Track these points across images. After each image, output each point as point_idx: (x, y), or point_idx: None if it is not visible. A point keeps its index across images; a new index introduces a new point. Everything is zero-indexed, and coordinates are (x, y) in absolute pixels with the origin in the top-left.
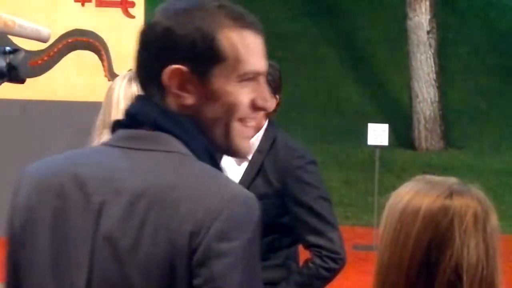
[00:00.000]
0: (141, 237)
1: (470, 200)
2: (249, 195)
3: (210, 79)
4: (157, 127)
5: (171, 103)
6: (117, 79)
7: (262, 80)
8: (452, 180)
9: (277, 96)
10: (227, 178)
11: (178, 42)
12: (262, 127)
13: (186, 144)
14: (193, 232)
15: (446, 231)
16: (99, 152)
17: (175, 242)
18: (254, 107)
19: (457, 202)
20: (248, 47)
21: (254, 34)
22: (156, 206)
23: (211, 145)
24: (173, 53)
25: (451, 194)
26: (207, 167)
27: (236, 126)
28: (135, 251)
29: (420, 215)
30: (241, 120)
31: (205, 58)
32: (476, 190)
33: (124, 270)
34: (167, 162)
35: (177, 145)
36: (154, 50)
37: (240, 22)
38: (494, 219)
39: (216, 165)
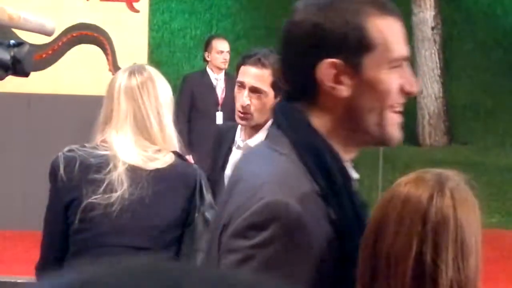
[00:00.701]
0: (219, 219)
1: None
2: (283, 200)
3: (362, 69)
4: (278, 126)
5: (325, 97)
6: (118, 74)
7: (406, 65)
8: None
9: None
10: (276, 182)
11: (328, 37)
12: (269, 121)
13: (294, 144)
14: (224, 225)
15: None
16: None
17: (218, 234)
18: (403, 92)
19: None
20: (394, 34)
21: (397, 20)
22: (230, 196)
23: (364, 136)
24: (324, 48)
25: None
26: (276, 168)
27: (387, 114)
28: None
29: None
30: (391, 106)
31: (357, 48)
32: (451, 184)
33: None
34: (262, 157)
35: (283, 145)
36: (302, 47)
37: (384, 9)
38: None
39: (324, 163)
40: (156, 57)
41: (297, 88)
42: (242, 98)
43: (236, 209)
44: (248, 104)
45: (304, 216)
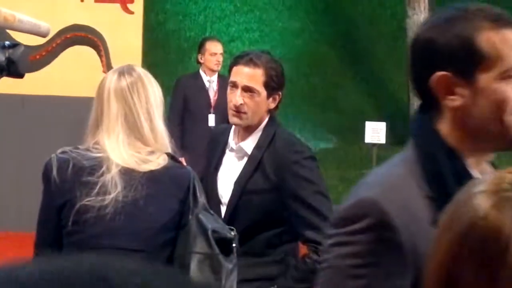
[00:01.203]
0: None
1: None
2: (375, 198)
3: (474, 80)
4: (411, 134)
5: (444, 107)
6: (107, 75)
7: None
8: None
9: (280, 93)
10: (376, 182)
11: (439, 51)
12: (263, 122)
13: (417, 149)
14: None
15: None
16: None
17: None
18: None
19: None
20: (507, 45)
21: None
22: None
23: (490, 143)
24: (436, 61)
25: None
26: (387, 170)
27: (508, 121)
28: None
29: None
30: (510, 113)
31: (467, 61)
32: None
33: None
34: (388, 162)
35: (410, 151)
36: (419, 61)
37: (499, 22)
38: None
39: (438, 168)
40: (150, 59)
41: (423, 100)
42: (235, 98)
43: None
44: (241, 104)
45: (394, 216)
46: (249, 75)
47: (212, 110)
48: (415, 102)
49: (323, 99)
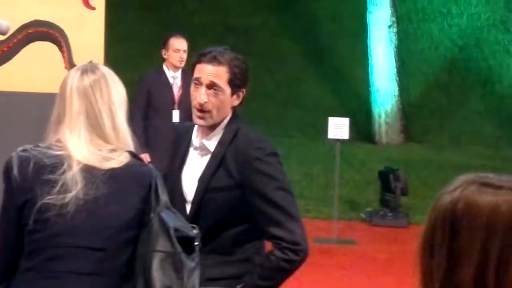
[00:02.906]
0: None
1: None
2: None
3: None
4: None
5: None
6: (70, 73)
7: None
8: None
9: (244, 90)
10: None
11: None
12: (225, 119)
13: None
14: None
15: None
16: None
17: None
18: None
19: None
20: None
21: None
22: None
23: None
24: None
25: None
26: None
27: None
28: None
29: None
30: None
31: None
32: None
33: None
34: None
35: None
36: None
37: None
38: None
39: None
40: (113, 54)
41: None
42: (200, 96)
43: None
44: (205, 102)
45: None
46: (213, 73)
47: (176, 106)
48: (377, 98)
49: (286, 95)
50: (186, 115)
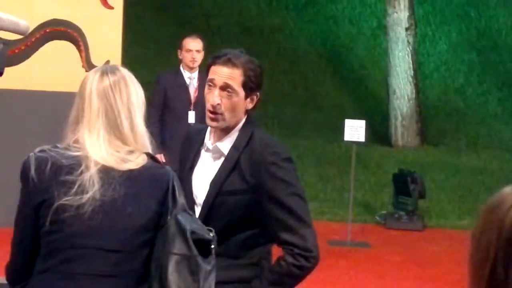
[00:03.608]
0: None
1: None
2: None
3: None
4: None
5: None
6: (90, 74)
7: None
8: None
9: (258, 93)
10: None
11: None
12: (240, 123)
13: None
14: None
15: None
16: None
17: None
18: None
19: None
20: None
21: None
22: None
23: None
24: None
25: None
26: None
27: None
28: None
29: None
30: None
31: None
32: None
33: None
34: None
35: None
36: None
37: None
38: None
39: None
40: (130, 54)
41: None
42: (213, 98)
43: None
44: (218, 104)
45: None
46: (227, 75)
47: (192, 107)
48: (394, 100)
49: (302, 96)
50: (202, 116)
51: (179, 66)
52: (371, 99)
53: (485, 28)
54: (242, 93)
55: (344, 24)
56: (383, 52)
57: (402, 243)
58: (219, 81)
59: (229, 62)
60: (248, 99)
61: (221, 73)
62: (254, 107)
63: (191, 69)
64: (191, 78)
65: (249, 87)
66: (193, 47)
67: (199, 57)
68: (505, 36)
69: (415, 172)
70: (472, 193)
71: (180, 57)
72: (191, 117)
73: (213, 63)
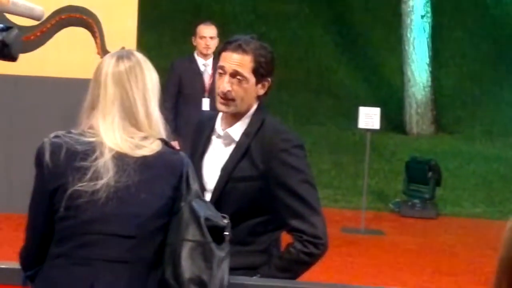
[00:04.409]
0: None
1: None
2: None
3: None
4: None
5: None
6: (105, 58)
7: None
8: None
9: (269, 79)
10: None
11: None
12: (251, 109)
13: None
14: None
15: None
16: None
17: None
18: None
19: None
20: None
21: None
22: None
23: None
24: None
25: None
26: None
27: None
28: None
29: None
30: None
31: None
32: None
33: None
34: None
35: None
36: None
37: None
38: None
39: None
40: (145, 41)
41: None
42: (223, 84)
43: None
44: (229, 90)
45: None
46: (237, 61)
47: (206, 94)
48: (409, 88)
49: (317, 83)
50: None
51: (194, 53)
52: (386, 87)
53: (501, 16)
54: (252, 79)
55: (360, 11)
56: (398, 40)
57: (416, 231)
58: (229, 68)
59: (239, 48)
60: (259, 85)
61: (231, 59)
62: (265, 93)
63: (205, 55)
64: (205, 65)
65: (260, 73)
66: (207, 34)
67: (213, 43)
68: None
69: (432, 160)
70: (487, 181)
71: (195, 43)
72: (206, 104)
73: (224, 49)
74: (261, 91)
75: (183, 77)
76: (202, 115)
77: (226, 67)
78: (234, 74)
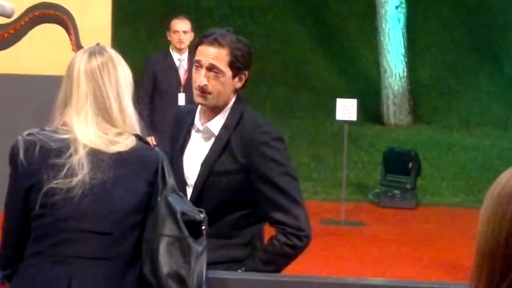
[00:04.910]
0: None
1: None
2: None
3: None
4: None
5: None
6: (77, 55)
7: None
8: None
9: (246, 72)
10: None
11: None
12: (229, 102)
13: None
14: None
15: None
16: None
17: None
18: None
19: None
20: None
21: None
22: None
23: None
24: None
25: None
26: None
27: None
28: None
29: None
30: None
31: None
32: None
33: None
34: None
35: None
36: None
37: None
38: None
39: None
40: (120, 37)
41: None
42: (200, 78)
43: None
44: (205, 84)
45: None
46: (213, 55)
47: (182, 89)
48: (386, 79)
49: (293, 76)
50: (193, 98)
51: (169, 48)
52: (363, 78)
53: (476, 5)
54: (229, 73)
55: (335, 3)
56: (374, 31)
57: (395, 221)
58: (206, 61)
59: (215, 42)
60: (236, 79)
61: (207, 53)
62: (243, 86)
63: (179, 50)
64: (180, 60)
65: (236, 66)
66: (180, 28)
67: (187, 38)
68: (496, 13)
69: (412, 150)
70: (465, 170)
71: (169, 38)
72: (181, 99)
73: (200, 43)
74: (238, 84)
75: (158, 73)
76: (180, 109)
77: (202, 61)
78: (210, 68)
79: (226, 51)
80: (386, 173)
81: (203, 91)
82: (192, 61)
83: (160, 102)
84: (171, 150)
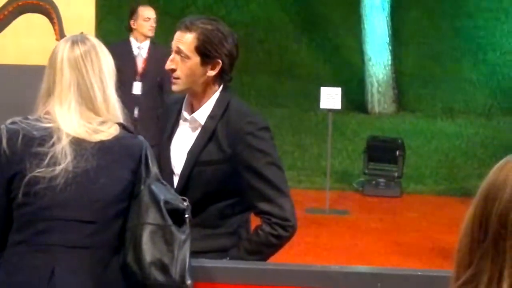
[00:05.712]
0: None
1: None
2: None
3: None
4: None
5: None
6: (60, 44)
7: None
8: None
9: (219, 60)
10: None
11: None
12: (216, 92)
13: None
14: None
15: (500, 183)
16: None
17: None
18: None
19: None
20: None
21: None
22: None
23: None
24: None
25: None
26: None
27: None
28: None
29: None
30: None
31: None
32: None
33: None
34: None
35: None
36: None
37: None
38: None
39: None
40: (104, 27)
41: None
42: (168, 61)
43: None
44: (172, 68)
45: None
46: (180, 39)
47: (138, 77)
48: (370, 67)
49: (277, 65)
50: (151, 87)
51: (129, 37)
52: (347, 67)
53: None
54: (196, 58)
55: None
56: (358, 19)
57: (380, 209)
58: (174, 45)
59: (183, 26)
60: (209, 66)
61: (176, 37)
62: (224, 75)
63: (145, 38)
64: (140, 48)
65: (204, 53)
66: (152, 15)
67: (155, 26)
68: (479, 1)
69: (398, 138)
70: (449, 158)
71: (134, 27)
72: (137, 88)
73: (176, 28)
74: (212, 72)
75: (117, 61)
76: (169, 99)
77: (172, 45)
78: (178, 52)
79: (193, 35)
80: (368, 161)
81: (174, 77)
82: (152, 50)
83: (121, 91)
84: (159, 139)
